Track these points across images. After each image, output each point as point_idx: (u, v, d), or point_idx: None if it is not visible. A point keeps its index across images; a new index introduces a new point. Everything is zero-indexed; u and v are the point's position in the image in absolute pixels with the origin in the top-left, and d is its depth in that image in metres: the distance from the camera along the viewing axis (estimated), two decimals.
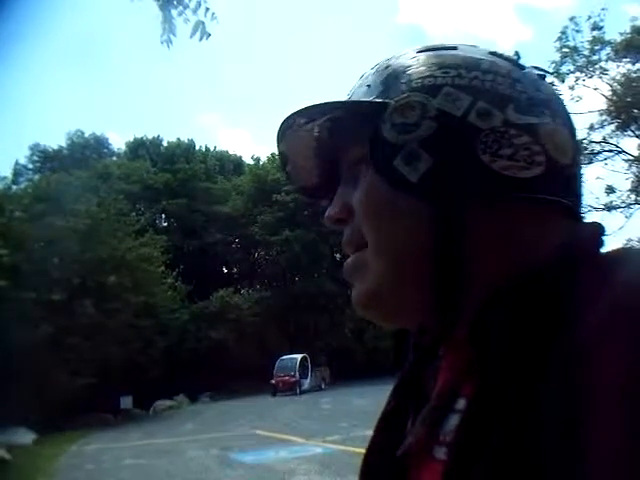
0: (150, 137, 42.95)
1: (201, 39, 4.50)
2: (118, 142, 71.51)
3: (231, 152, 45.98)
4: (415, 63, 0.59)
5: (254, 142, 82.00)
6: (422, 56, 0.59)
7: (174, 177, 37.96)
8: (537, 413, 0.43)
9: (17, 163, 35.33)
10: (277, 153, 0.69)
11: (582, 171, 0.60)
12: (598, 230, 0.55)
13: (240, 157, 45.97)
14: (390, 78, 0.59)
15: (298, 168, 0.69)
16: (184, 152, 40.80)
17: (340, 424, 13.03)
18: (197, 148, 42.89)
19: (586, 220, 0.59)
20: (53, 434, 17.10)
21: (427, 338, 0.60)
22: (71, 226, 21.48)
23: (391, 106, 0.56)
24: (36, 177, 31.62)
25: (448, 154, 0.53)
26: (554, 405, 0.42)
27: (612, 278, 0.45)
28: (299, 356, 28.93)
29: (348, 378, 27.77)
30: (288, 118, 0.62)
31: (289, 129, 0.63)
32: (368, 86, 0.61)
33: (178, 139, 42.45)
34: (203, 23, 4.46)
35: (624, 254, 0.50)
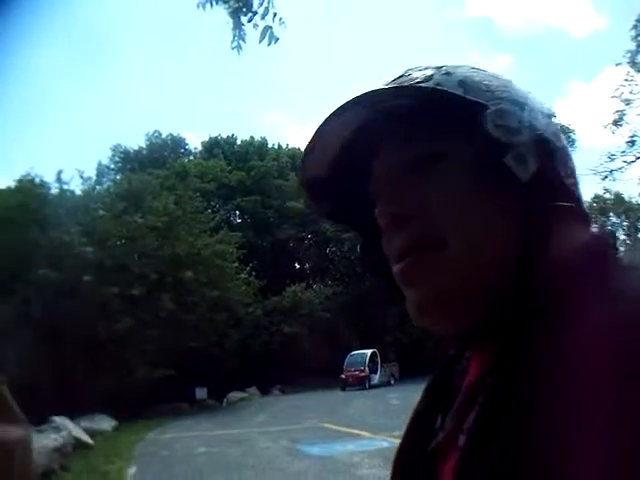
0: (224, 136, 43.59)
1: (269, 44, 4.58)
2: (194, 142, 73.28)
3: (302, 149, 46.13)
4: (484, 77, 0.60)
5: None
6: (482, 72, 0.62)
7: (248, 175, 38.39)
8: (542, 405, 0.46)
9: (100, 164, 36.64)
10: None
11: None
12: (610, 236, 0.61)
13: None
14: (466, 83, 0.59)
15: (323, 153, 0.64)
16: (257, 150, 41.09)
17: (407, 419, 12.99)
18: (269, 146, 43.24)
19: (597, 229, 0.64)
20: (131, 422, 17.58)
21: (464, 341, 0.62)
22: (150, 224, 22.10)
23: (492, 108, 0.56)
24: (118, 177, 32.53)
25: (546, 162, 0.56)
26: (557, 398, 0.46)
27: (619, 284, 0.50)
28: (369, 351, 28.81)
29: (417, 374, 27.25)
30: (352, 98, 0.59)
31: (340, 114, 0.59)
32: (439, 84, 0.58)
33: (251, 137, 42.77)
34: (271, 28, 4.51)
35: (632, 266, 0.55)
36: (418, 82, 0.58)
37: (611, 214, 36.01)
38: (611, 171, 19.33)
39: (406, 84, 0.58)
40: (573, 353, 0.46)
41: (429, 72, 0.60)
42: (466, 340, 0.61)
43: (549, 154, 0.57)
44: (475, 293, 0.55)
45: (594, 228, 0.62)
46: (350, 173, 0.65)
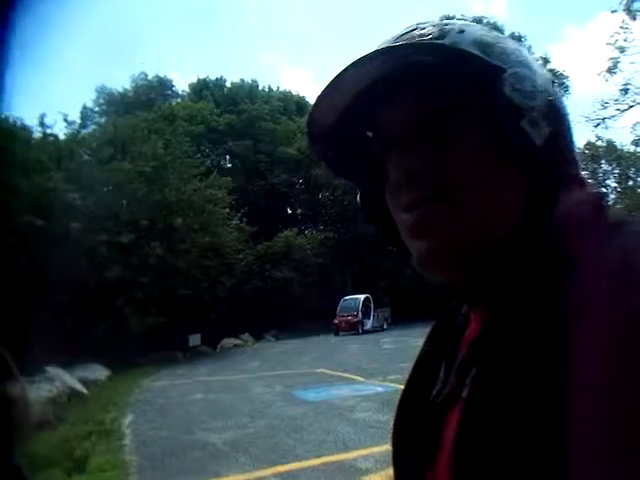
0: (213, 78, 42.99)
1: None
2: (182, 84, 71.92)
3: (294, 92, 45.58)
4: (497, 39, 0.61)
5: (315, 83, 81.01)
6: (494, 33, 0.62)
7: (238, 118, 37.98)
8: (536, 359, 0.49)
9: (84, 107, 35.82)
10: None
11: None
12: (598, 197, 0.61)
13: (303, 97, 45.42)
14: (482, 43, 0.59)
15: (334, 101, 0.64)
16: (247, 93, 40.65)
17: (400, 364, 13.09)
18: (260, 88, 42.66)
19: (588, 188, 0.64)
20: (125, 370, 17.66)
21: (460, 294, 0.64)
22: (138, 169, 21.83)
23: (509, 71, 0.58)
24: (102, 120, 32.07)
25: (559, 127, 0.59)
26: (560, 355, 0.48)
27: (614, 249, 0.51)
28: (362, 296, 29.24)
29: (409, 318, 27.79)
30: (377, 50, 0.59)
31: (358, 66, 0.60)
32: (455, 42, 0.58)
33: (241, 80, 42.33)
34: None
35: (623, 221, 0.55)
36: (433, 38, 0.59)
37: (602, 161, 36.21)
38: (604, 119, 19.41)
39: (426, 41, 0.58)
40: (573, 304, 0.49)
41: (445, 28, 0.60)
42: (470, 292, 0.62)
43: (560, 120, 0.60)
44: (483, 246, 0.58)
45: (589, 190, 0.62)
46: (357, 124, 0.66)
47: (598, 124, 19.74)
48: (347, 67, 0.59)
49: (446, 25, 0.60)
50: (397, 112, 0.62)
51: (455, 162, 0.58)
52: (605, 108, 19.41)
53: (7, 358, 1.05)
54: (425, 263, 0.60)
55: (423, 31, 0.60)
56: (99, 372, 16.48)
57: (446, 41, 0.58)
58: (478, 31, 0.60)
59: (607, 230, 0.54)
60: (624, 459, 0.43)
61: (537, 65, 0.62)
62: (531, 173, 0.57)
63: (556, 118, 0.59)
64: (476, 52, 0.58)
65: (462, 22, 0.62)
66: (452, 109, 0.59)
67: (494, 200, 0.58)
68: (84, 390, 13.02)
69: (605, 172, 36.01)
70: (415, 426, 0.65)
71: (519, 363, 0.51)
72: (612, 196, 36.53)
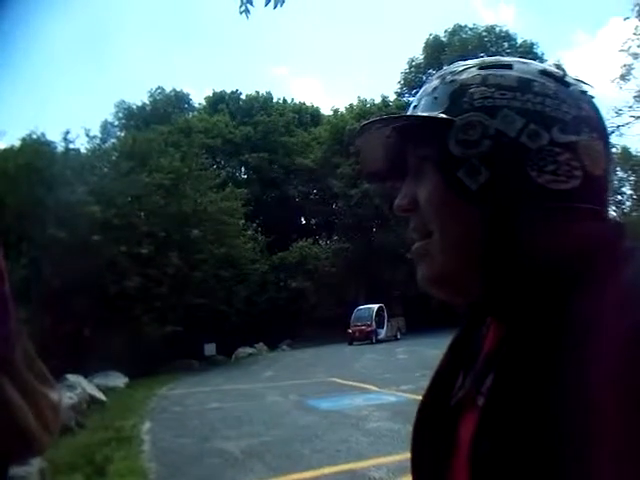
0: (228, 91, 43.17)
1: (275, 7, 4.48)
2: (198, 98, 72.37)
3: (308, 104, 45.72)
4: (477, 81, 0.67)
5: (326, 93, 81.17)
6: (483, 73, 0.68)
7: (254, 130, 38.16)
8: (553, 373, 0.54)
9: (105, 122, 36.31)
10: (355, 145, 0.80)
11: (611, 178, 0.69)
12: (619, 227, 0.66)
13: (317, 108, 45.45)
14: (455, 94, 0.67)
15: (369, 158, 0.78)
16: (262, 105, 40.78)
17: (414, 374, 13.03)
18: (274, 100, 42.79)
19: (611, 220, 0.68)
20: (143, 378, 17.77)
21: (477, 309, 0.71)
22: (156, 182, 22.04)
23: (456, 124, 0.65)
24: (122, 134, 32.14)
25: (502, 169, 0.63)
26: (569, 368, 0.53)
27: (624, 273, 0.55)
28: (376, 306, 28.98)
29: (423, 328, 27.51)
30: (367, 122, 0.72)
31: (366, 130, 0.73)
32: (435, 98, 0.69)
33: (256, 92, 42.44)
34: None
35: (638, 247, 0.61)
36: (425, 93, 0.71)
37: (618, 169, 35.75)
38: (618, 126, 19.03)
39: (395, 114, 0.73)
40: (585, 320, 0.53)
41: (435, 84, 0.71)
42: (476, 310, 0.72)
43: (514, 160, 0.62)
44: (462, 272, 0.66)
45: (608, 220, 0.67)
46: (401, 163, 0.75)
47: (612, 132, 19.38)
48: (360, 133, 0.75)
49: (450, 74, 0.70)
50: (407, 155, 0.74)
51: (423, 202, 0.68)
52: (619, 115, 19.07)
53: (35, 357, 1.10)
54: (425, 286, 0.70)
55: (430, 83, 0.72)
56: (118, 380, 16.58)
57: (429, 96, 0.70)
58: (473, 76, 0.68)
59: (622, 255, 0.59)
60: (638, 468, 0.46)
61: (541, 87, 0.65)
62: (478, 212, 0.64)
63: (511, 158, 0.63)
64: (446, 104, 0.67)
65: (466, 64, 0.71)
66: (423, 156, 0.69)
67: (453, 232, 0.66)
68: (103, 397, 13.11)
69: (620, 179, 35.52)
70: (433, 429, 0.71)
71: (532, 375, 0.55)
72: (628, 203, 36.11)
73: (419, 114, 0.70)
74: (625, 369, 0.48)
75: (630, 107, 19.04)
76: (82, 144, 26.39)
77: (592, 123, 0.66)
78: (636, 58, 18.89)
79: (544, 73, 0.67)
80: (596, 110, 0.68)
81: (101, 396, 13.08)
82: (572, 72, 0.70)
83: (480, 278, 0.65)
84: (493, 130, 0.63)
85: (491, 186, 0.63)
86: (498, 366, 0.61)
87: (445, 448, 0.68)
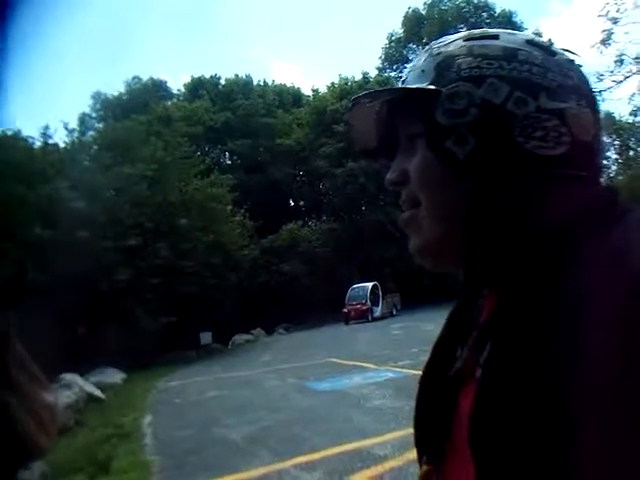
0: (208, 76, 42.78)
1: None
2: (176, 84, 71.80)
3: (289, 84, 45.41)
4: (463, 52, 0.68)
5: (305, 74, 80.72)
6: (469, 45, 0.69)
7: (234, 114, 37.91)
8: (547, 340, 0.54)
9: (82, 114, 35.84)
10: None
11: (601, 145, 0.70)
12: (611, 192, 0.66)
13: (298, 89, 45.31)
14: (442, 66, 0.68)
15: (361, 134, 0.79)
16: (242, 88, 40.46)
17: (411, 349, 13.14)
18: (255, 83, 42.46)
19: (602, 185, 0.70)
20: (140, 372, 17.70)
21: (473, 280, 0.72)
22: (139, 172, 21.79)
23: (443, 94, 0.66)
24: (100, 125, 31.88)
25: (489, 137, 0.64)
26: (564, 333, 0.53)
27: (614, 233, 0.57)
28: (370, 284, 29.23)
29: (418, 303, 27.76)
30: (356, 97, 0.73)
31: (356, 105, 0.74)
32: (422, 71, 0.70)
33: (236, 75, 42.09)
34: None
35: (627, 210, 0.62)
36: (413, 67, 0.73)
37: (602, 134, 36.03)
38: (600, 91, 19.08)
39: (383, 88, 0.75)
40: (577, 284, 0.54)
41: (422, 57, 0.72)
42: (470, 280, 0.72)
43: (501, 127, 0.63)
44: (451, 240, 0.68)
45: (597, 185, 0.68)
46: (392, 139, 0.76)
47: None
48: (352, 107, 0.75)
49: (437, 47, 0.71)
50: (398, 131, 0.75)
51: (413, 175, 0.70)
52: (601, 80, 19.14)
53: (27, 358, 1.10)
54: (417, 256, 0.71)
55: (418, 59, 0.73)
56: (115, 376, 16.54)
57: (417, 69, 0.71)
58: (458, 48, 0.69)
59: (612, 218, 0.60)
60: (633, 438, 0.48)
61: (527, 56, 0.66)
62: (465, 180, 0.65)
63: (498, 126, 0.64)
64: (432, 75, 0.68)
65: (452, 37, 0.72)
66: (413, 133, 0.70)
67: (441, 201, 0.67)
68: (101, 394, 13.07)
69: (605, 144, 35.95)
70: (433, 401, 0.72)
71: (528, 344, 0.56)
72: (614, 167, 36.41)
73: (406, 86, 0.71)
74: (621, 328, 0.49)
75: (611, 72, 19.15)
76: (60, 138, 26.03)
77: (579, 91, 0.66)
78: (615, 22, 18.92)
79: (530, 43, 0.68)
80: (583, 78, 0.69)
81: (99, 393, 13.02)
82: (551, 40, 0.72)
83: (469, 246, 0.67)
84: (479, 99, 0.64)
85: (478, 154, 0.64)
86: (494, 336, 0.62)
87: (445, 420, 0.68)
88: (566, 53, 0.70)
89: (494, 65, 0.66)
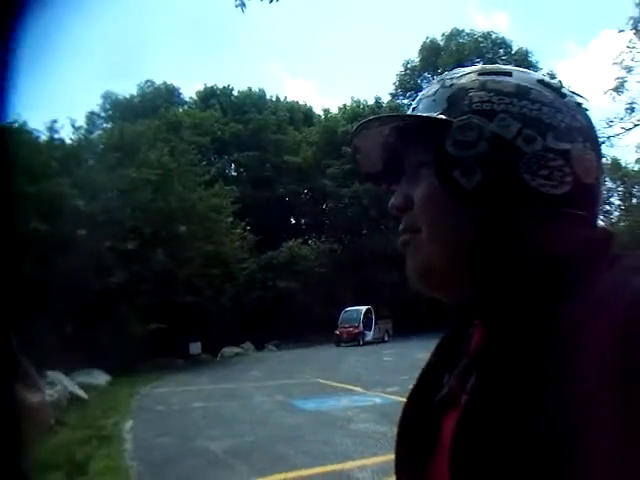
0: (220, 86, 43.04)
1: (271, 1, 4.55)
2: (188, 92, 72.38)
3: (301, 102, 45.73)
4: (476, 86, 0.69)
5: (319, 93, 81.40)
6: (482, 79, 0.70)
7: (245, 127, 38.05)
8: (537, 373, 0.55)
9: (91, 112, 35.90)
10: (352, 145, 0.80)
11: (602, 188, 0.72)
12: (607, 234, 0.68)
13: (310, 108, 45.57)
14: (454, 97, 0.70)
15: (367, 157, 0.80)
16: (255, 102, 40.62)
17: (400, 376, 13.11)
18: (268, 98, 42.68)
19: (599, 227, 0.71)
20: (126, 376, 17.66)
21: (465, 310, 0.73)
22: (143, 176, 21.79)
23: (454, 125, 0.67)
24: (108, 125, 31.91)
25: (497, 170, 0.65)
26: (553, 367, 0.54)
27: (608, 274, 0.58)
28: (363, 308, 29.22)
29: (411, 331, 27.78)
30: (365, 120, 0.74)
31: (364, 129, 0.75)
32: (434, 100, 0.71)
33: (249, 88, 42.31)
34: None
35: (622, 255, 0.63)
36: (425, 96, 0.73)
37: (607, 179, 36.31)
38: (609, 137, 19.34)
39: (394, 114, 0.80)
40: (568, 320, 0.55)
41: (435, 87, 0.73)
42: (464, 311, 0.74)
43: (509, 162, 0.65)
44: (448, 270, 0.68)
45: (599, 226, 0.70)
46: (398, 165, 0.76)
47: (603, 142, 19.61)
48: (358, 130, 0.75)
49: (449, 79, 0.72)
50: (405, 158, 0.75)
51: (417, 203, 0.70)
52: (610, 126, 19.34)
53: (27, 365, 1.07)
54: (413, 278, 0.71)
55: (429, 88, 0.74)
56: (100, 377, 16.52)
57: (429, 98, 0.72)
58: (471, 81, 0.70)
59: (608, 260, 0.61)
60: (623, 466, 0.48)
61: (538, 95, 0.68)
62: (471, 212, 0.66)
63: (506, 160, 0.65)
64: (443, 106, 0.69)
65: (466, 70, 0.73)
66: (421, 161, 0.71)
67: (443, 229, 0.68)
68: (84, 395, 13.03)
69: (609, 190, 36.09)
70: (416, 427, 0.72)
71: (516, 374, 0.56)
72: (616, 213, 36.59)
73: (418, 114, 0.72)
74: (611, 365, 0.49)
75: (621, 119, 19.39)
76: (67, 134, 26.05)
77: (585, 133, 0.68)
78: (629, 71, 19.15)
79: (542, 83, 0.70)
80: (590, 122, 0.71)
81: (82, 394, 12.98)
82: (565, 82, 0.73)
83: (468, 278, 0.67)
84: (490, 133, 0.66)
85: (485, 187, 0.65)
86: (482, 365, 0.62)
87: (427, 446, 0.68)
88: (575, 96, 0.71)
89: (505, 101, 0.67)
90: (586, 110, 0.71)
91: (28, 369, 1.09)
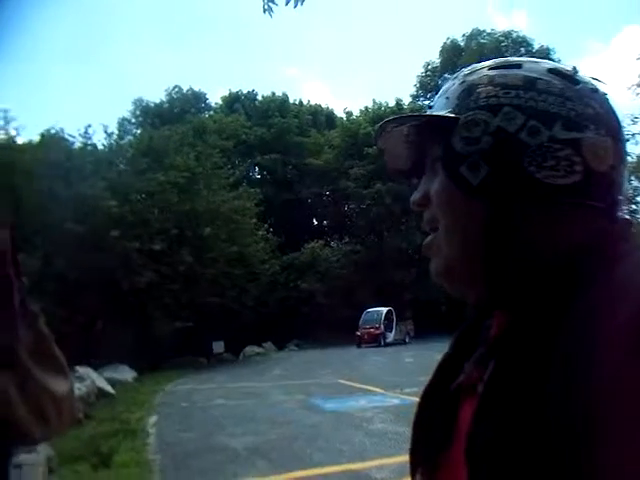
0: (245, 92, 43.39)
1: (295, 6, 4.51)
2: (214, 97, 72.96)
3: (323, 105, 45.78)
4: (484, 81, 0.70)
5: (337, 96, 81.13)
6: (491, 74, 0.70)
7: (268, 131, 38.29)
8: (554, 361, 0.54)
9: (122, 119, 36.63)
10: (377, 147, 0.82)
11: (621, 176, 0.68)
12: (623, 225, 0.67)
13: (332, 110, 45.61)
14: (464, 94, 0.70)
15: (393, 157, 0.81)
16: (278, 106, 40.78)
17: (419, 377, 12.99)
18: (291, 102, 42.82)
19: (617, 216, 0.67)
20: (151, 373, 17.91)
21: (482, 304, 0.73)
22: (171, 180, 22.20)
23: (460, 121, 0.68)
24: (138, 131, 32.50)
25: (500, 164, 0.65)
26: (570, 355, 0.53)
27: (624, 261, 0.58)
28: (385, 309, 28.95)
29: (432, 332, 27.30)
30: (383, 123, 0.75)
31: (384, 131, 0.76)
32: (447, 98, 0.72)
33: (273, 93, 42.53)
34: None
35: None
36: (440, 94, 0.75)
37: (632, 178, 35.28)
38: (634, 134, 18.75)
39: (407, 114, 0.77)
40: (585, 311, 0.54)
41: (450, 84, 0.75)
42: (482, 306, 0.73)
43: (513, 156, 0.65)
44: (466, 265, 0.69)
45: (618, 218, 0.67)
46: (423, 160, 0.78)
47: (628, 139, 19.17)
48: (380, 130, 0.76)
49: (464, 75, 0.73)
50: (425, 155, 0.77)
51: (433, 196, 0.71)
52: (635, 123, 18.73)
53: (51, 342, 1.13)
54: (436, 278, 0.73)
55: (444, 87, 0.76)
56: (126, 373, 16.73)
57: (442, 97, 0.74)
58: (481, 77, 0.71)
59: (621, 251, 0.61)
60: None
61: (545, 85, 0.67)
62: (479, 206, 0.66)
63: (510, 154, 0.65)
64: (455, 102, 0.70)
65: (478, 66, 0.74)
66: (436, 156, 0.71)
67: (456, 224, 0.69)
68: (111, 390, 13.25)
69: (636, 188, 35.11)
70: (433, 415, 0.72)
71: (532, 363, 0.56)
72: None
73: (427, 113, 0.75)
74: (629, 351, 0.48)
75: None
76: (99, 140, 26.62)
77: (600, 120, 0.66)
78: None
79: (552, 71, 0.69)
80: (607, 107, 0.69)
81: (109, 389, 13.21)
82: (576, 68, 0.70)
83: (482, 272, 0.67)
84: (494, 127, 0.66)
85: (490, 181, 0.65)
86: (499, 352, 0.62)
87: (443, 434, 0.69)
88: (590, 81, 0.69)
89: (511, 94, 0.67)
90: (603, 95, 0.69)
91: (61, 359, 1.12)
